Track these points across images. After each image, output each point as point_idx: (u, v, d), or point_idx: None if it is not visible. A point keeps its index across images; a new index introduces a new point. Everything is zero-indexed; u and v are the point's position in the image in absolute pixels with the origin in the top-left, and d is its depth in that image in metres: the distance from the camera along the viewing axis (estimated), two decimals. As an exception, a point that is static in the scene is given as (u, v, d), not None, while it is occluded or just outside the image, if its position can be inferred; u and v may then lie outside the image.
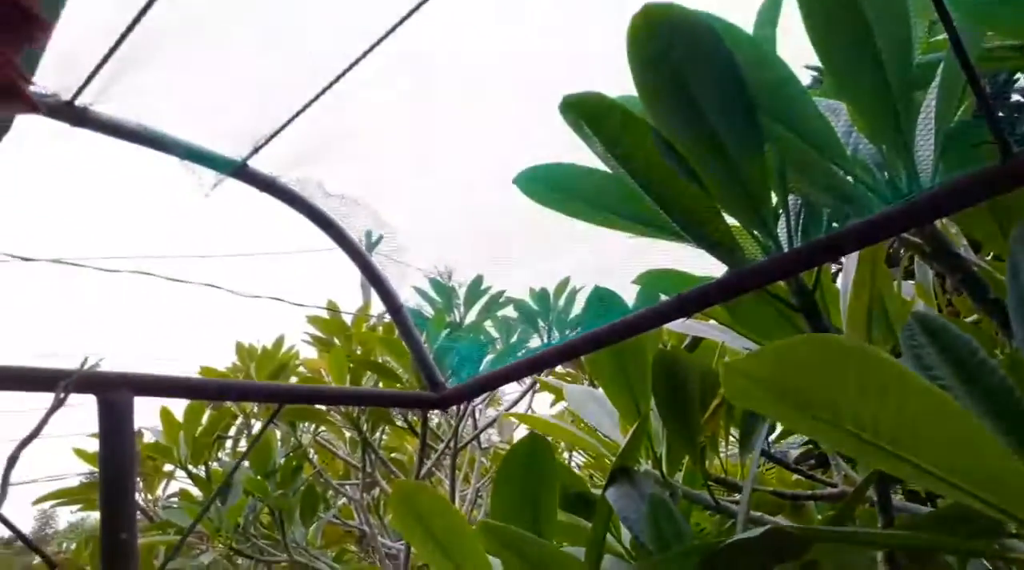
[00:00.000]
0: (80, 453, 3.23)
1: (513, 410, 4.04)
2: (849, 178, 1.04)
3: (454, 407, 3.60)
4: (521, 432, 4.33)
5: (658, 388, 1.31)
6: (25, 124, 1.17)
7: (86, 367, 1.09)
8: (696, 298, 1.08)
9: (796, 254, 1.03)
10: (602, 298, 1.32)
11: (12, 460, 0.97)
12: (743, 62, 0.98)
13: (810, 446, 2.44)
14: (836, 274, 1.72)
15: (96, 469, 3.12)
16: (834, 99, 1.13)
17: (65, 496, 3.54)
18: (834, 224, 1.11)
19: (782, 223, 1.12)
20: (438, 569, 1.19)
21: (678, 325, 1.54)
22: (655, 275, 1.31)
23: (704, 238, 1.06)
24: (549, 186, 1.17)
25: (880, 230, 0.95)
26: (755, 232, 1.07)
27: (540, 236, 1.54)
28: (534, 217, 1.47)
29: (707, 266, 1.34)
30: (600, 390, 1.80)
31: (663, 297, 1.32)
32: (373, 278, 1.55)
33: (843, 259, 1.30)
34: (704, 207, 1.04)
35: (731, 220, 1.10)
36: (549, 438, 1.41)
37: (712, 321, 1.51)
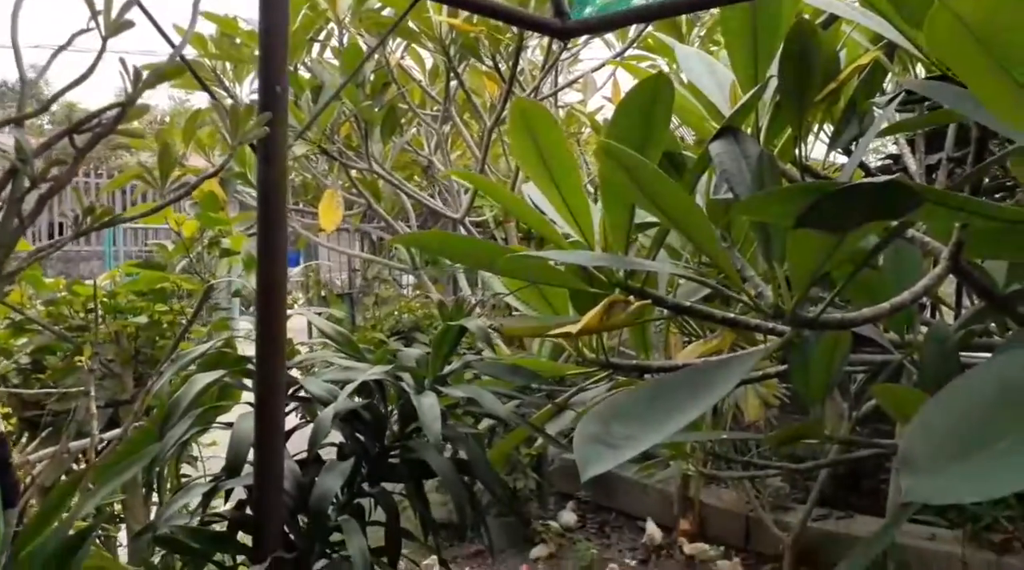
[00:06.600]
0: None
1: (598, 76, 3.99)
2: None
3: (541, 59, 3.58)
4: (599, 100, 4.33)
5: (786, 56, 1.31)
6: None
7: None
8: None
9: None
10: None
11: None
12: None
13: (889, 161, 2.45)
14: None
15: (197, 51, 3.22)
16: None
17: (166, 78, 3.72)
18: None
19: None
20: (535, 176, 1.31)
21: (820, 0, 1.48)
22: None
23: None
24: None
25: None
26: None
27: None
28: None
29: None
30: (708, 56, 1.78)
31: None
32: None
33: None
34: None
35: None
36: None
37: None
